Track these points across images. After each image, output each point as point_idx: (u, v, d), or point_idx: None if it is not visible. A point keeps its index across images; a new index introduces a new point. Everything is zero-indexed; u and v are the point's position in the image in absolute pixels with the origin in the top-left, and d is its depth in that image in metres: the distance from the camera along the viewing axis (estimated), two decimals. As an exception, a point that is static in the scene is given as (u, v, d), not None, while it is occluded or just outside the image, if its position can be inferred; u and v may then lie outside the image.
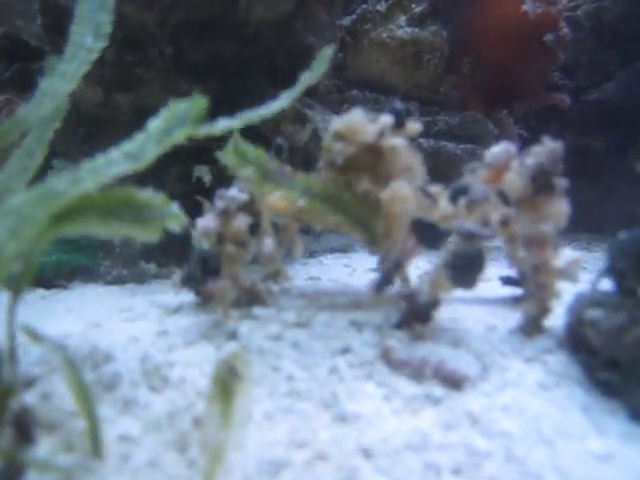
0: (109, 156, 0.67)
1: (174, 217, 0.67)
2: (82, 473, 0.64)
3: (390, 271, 0.96)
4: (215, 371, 0.66)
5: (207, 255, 1.01)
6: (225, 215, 1.00)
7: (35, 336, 0.75)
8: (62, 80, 0.88)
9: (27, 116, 0.86)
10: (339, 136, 1.01)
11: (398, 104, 1.04)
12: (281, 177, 0.98)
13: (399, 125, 1.02)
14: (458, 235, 0.85)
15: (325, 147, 1.03)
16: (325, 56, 0.96)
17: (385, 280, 0.96)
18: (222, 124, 0.84)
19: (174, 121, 0.69)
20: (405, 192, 0.96)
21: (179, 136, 0.68)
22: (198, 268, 1.02)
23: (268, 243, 1.08)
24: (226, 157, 1.03)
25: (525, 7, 2.18)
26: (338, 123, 1.01)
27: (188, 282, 1.07)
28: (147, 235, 0.66)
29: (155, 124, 0.70)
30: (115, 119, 1.83)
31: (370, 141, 1.00)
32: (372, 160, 1.01)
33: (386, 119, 1.00)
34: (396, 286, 1.00)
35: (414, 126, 1.04)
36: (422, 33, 2.13)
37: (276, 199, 1.09)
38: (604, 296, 0.82)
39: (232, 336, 0.92)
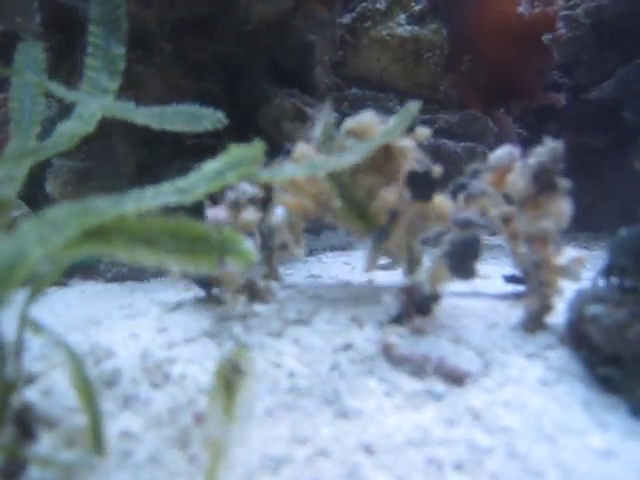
0: (160, 188, 0.67)
1: (243, 254, 0.66)
2: (83, 469, 0.64)
3: (387, 222, 0.95)
4: (217, 367, 0.66)
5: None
6: (235, 207, 1.02)
7: (38, 328, 0.75)
8: (79, 122, 0.91)
9: (44, 150, 0.88)
10: (351, 134, 1.02)
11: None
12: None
13: (409, 129, 1.03)
14: (455, 224, 0.85)
15: (338, 147, 1.04)
16: (410, 112, 0.97)
17: (383, 233, 0.96)
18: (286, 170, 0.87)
19: (230, 165, 0.71)
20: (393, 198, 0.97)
21: (232, 178, 0.70)
22: None
23: (279, 212, 1.07)
24: None
25: (521, 8, 2.18)
26: (351, 122, 1.03)
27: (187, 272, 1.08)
28: (199, 266, 0.64)
29: (212, 166, 0.71)
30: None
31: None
32: (381, 160, 1.03)
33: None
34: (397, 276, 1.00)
35: (423, 131, 1.05)
36: (422, 31, 2.13)
37: (287, 195, 1.10)
38: (605, 292, 0.82)
39: (233, 332, 0.92)
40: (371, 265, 0.99)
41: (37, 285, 0.69)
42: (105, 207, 0.61)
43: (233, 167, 0.71)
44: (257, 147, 0.73)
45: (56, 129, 0.91)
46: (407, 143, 1.01)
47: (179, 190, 0.67)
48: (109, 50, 0.95)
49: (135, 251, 0.61)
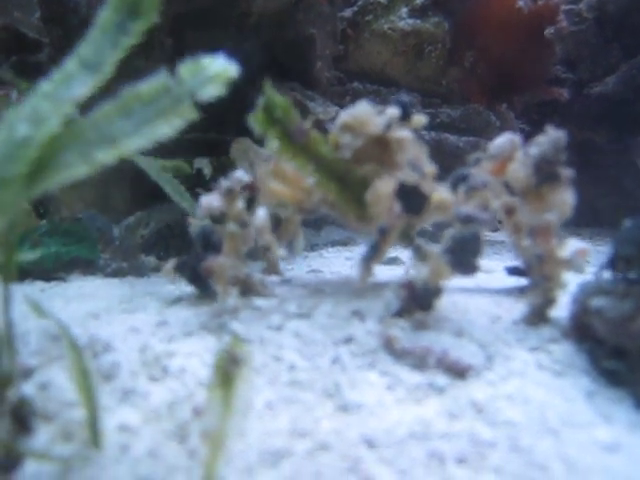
0: (65, 69, 0.60)
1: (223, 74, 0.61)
2: (81, 463, 0.63)
3: (377, 239, 0.94)
4: (216, 359, 0.65)
5: (209, 231, 1.02)
6: (229, 195, 1.01)
7: (41, 312, 0.74)
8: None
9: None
10: (347, 128, 1.00)
11: (404, 96, 1.04)
12: (299, 136, 0.96)
13: (405, 117, 1.01)
14: (456, 219, 0.84)
15: (332, 140, 1.02)
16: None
17: (373, 251, 0.95)
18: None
19: (125, 11, 0.61)
20: (387, 190, 0.95)
21: (136, 30, 0.61)
22: (199, 244, 1.02)
23: (261, 214, 1.06)
24: (253, 120, 0.98)
25: (520, 3, 2.17)
26: (346, 115, 1.01)
27: (181, 269, 1.07)
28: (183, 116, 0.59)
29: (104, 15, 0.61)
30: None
31: (378, 133, 0.99)
32: (378, 152, 1.01)
33: (393, 111, 1.00)
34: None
35: (419, 118, 1.03)
36: (423, 25, 2.11)
37: (280, 186, 1.08)
38: (610, 284, 0.81)
39: (233, 326, 0.91)
40: (364, 279, 0.98)
41: (6, 269, 0.67)
42: (27, 131, 0.56)
43: (130, 16, 0.62)
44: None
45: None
46: (404, 134, 1.00)
47: (87, 66, 0.60)
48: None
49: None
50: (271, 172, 1.08)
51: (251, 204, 1.07)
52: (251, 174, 1.06)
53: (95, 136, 0.58)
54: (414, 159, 1.02)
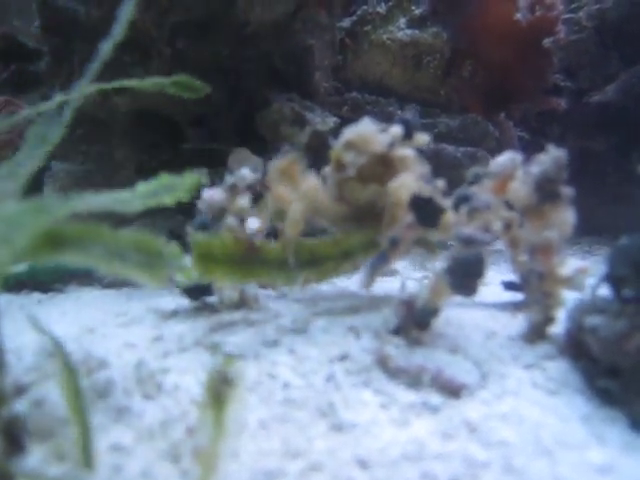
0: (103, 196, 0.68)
1: (184, 270, 0.67)
2: (73, 483, 0.63)
3: (387, 249, 0.93)
4: (208, 379, 0.65)
5: (207, 223, 1.02)
6: (232, 190, 1.01)
7: (40, 329, 0.75)
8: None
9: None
10: (350, 146, 1.00)
11: (408, 114, 1.04)
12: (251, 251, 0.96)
13: (408, 136, 1.01)
14: (458, 241, 0.84)
15: (335, 156, 1.02)
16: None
17: (381, 259, 0.94)
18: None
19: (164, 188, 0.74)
20: (411, 182, 0.95)
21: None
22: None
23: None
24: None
25: (518, 15, 2.17)
26: (350, 133, 1.00)
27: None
28: (152, 281, 0.64)
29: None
30: (113, 120, 1.83)
31: (381, 152, 0.99)
32: (381, 171, 1.01)
33: (396, 129, 1.00)
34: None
35: (422, 137, 1.03)
36: (422, 35, 2.12)
37: (286, 190, 1.08)
38: (604, 303, 0.80)
39: (228, 341, 0.91)
40: (368, 285, 0.97)
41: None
42: (56, 204, 0.60)
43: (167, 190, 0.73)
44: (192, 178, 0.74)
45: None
46: (407, 152, 1.00)
47: (119, 201, 0.69)
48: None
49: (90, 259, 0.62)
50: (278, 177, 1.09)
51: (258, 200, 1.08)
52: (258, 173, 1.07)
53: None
54: (423, 175, 1.02)
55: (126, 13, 0.92)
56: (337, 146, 1.02)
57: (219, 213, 1.03)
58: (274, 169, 1.07)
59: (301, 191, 1.05)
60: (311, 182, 1.06)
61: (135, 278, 0.64)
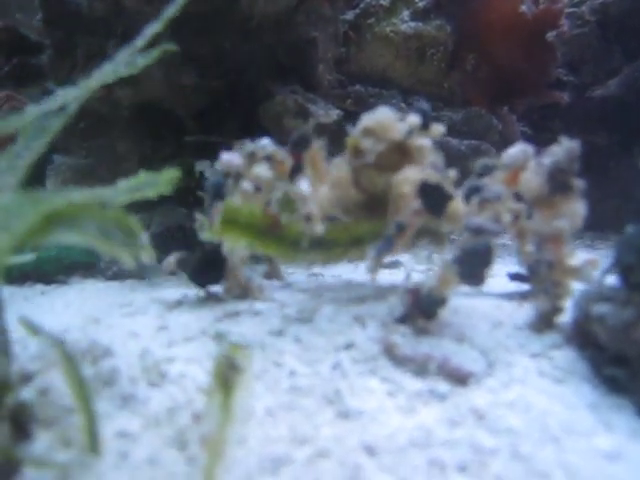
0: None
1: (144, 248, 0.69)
2: (79, 470, 0.63)
3: (393, 234, 0.93)
4: (215, 366, 0.65)
5: (221, 185, 1.03)
6: (250, 158, 1.01)
7: (32, 329, 0.74)
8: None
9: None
10: (369, 133, 0.99)
11: (424, 104, 1.03)
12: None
13: (425, 125, 1.01)
14: (467, 230, 0.83)
15: (352, 143, 1.02)
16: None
17: (387, 244, 0.94)
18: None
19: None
20: (415, 175, 0.94)
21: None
22: (210, 195, 1.03)
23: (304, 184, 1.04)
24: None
25: (523, 7, 2.16)
26: (368, 119, 1.00)
27: (183, 265, 1.07)
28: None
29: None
30: (116, 114, 1.82)
31: (400, 139, 0.99)
32: (397, 159, 1.01)
33: (414, 119, 0.99)
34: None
35: (438, 127, 1.03)
36: (425, 28, 2.11)
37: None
38: (611, 291, 0.80)
39: (234, 331, 0.90)
40: (374, 270, 0.96)
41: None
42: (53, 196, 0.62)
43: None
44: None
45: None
46: (424, 142, 1.00)
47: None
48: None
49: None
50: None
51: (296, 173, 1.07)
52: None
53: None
54: (435, 163, 1.02)
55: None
56: (355, 132, 1.02)
57: (235, 177, 1.02)
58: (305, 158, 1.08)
59: (332, 177, 1.05)
60: (342, 169, 1.05)
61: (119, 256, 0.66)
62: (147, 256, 0.68)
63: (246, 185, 1.01)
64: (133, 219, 0.67)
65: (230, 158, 1.03)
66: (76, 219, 0.64)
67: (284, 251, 1.00)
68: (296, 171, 1.08)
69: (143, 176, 0.76)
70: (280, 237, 0.98)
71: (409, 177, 0.95)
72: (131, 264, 0.66)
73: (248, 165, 1.03)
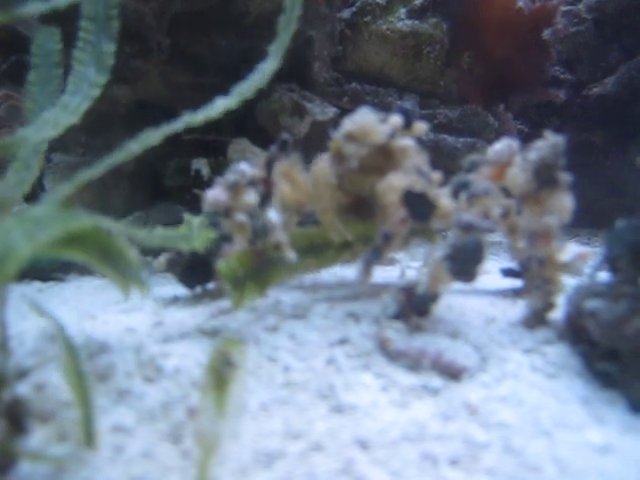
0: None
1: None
2: (75, 464, 0.63)
3: (380, 244, 0.93)
4: (209, 360, 0.66)
5: (217, 223, 1.03)
6: (235, 189, 1.01)
7: (41, 312, 0.75)
8: (65, 112, 0.90)
9: (26, 137, 0.88)
10: (351, 138, 0.99)
11: (406, 104, 1.04)
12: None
13: (407, 125, 1.01)
14: (457, 227, 0.84)
15: (335, 147, 1.01)
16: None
17: (375, 255, 0.94)
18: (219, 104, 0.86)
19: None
20: (399, 183, 0.94)
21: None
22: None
23: (273, 213, 1.05)
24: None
25: (520, 3, 2.17)
26: (349, 124, 0.99)
27: (172, 266, 1.07)
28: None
29: None
30: (113, 112, 1.82)
31: (382, 142, 0.98)
32: (381, 161, 1.00)
33: (396, 119, 0.99)
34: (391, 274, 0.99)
35: (421, 126, 1.03)
36: (422, 26, 2.11)
37: (287, 187, 1.08)
38: (603, 286, 0.81)
39: (228, 327, 0.91)
40: (364, 280, 0.97)
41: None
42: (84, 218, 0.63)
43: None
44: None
45: (40, 117, 0.90)
46: (407, 142, 1.00)
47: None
48: (99, 46, 0.95)
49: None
50: (282, 173, 1.08)
51: (265, 200, 1.07)
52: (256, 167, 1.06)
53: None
54: (419, 166, 1.02)
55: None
56: (337, 137, 1.01)
57: (225, 213, 1.02)
58: (276, 172, 1.07)
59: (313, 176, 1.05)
60: (322, 168, 1.05)
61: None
62: (141, 293, 0.72)
63: (240, 217, 1.00)
64: (134, 253, 0.70)
65: (215, 196, 1.01)
66: (85, 241, 0.67)
67: (279, 275, 1.02)
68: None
69: (182, 229, 0.84)
70: (269, 262, 1.00)
71: (393, 185, 0.94)
72: (126, 296, 0.73)
73: (235, 196, 1.02)
